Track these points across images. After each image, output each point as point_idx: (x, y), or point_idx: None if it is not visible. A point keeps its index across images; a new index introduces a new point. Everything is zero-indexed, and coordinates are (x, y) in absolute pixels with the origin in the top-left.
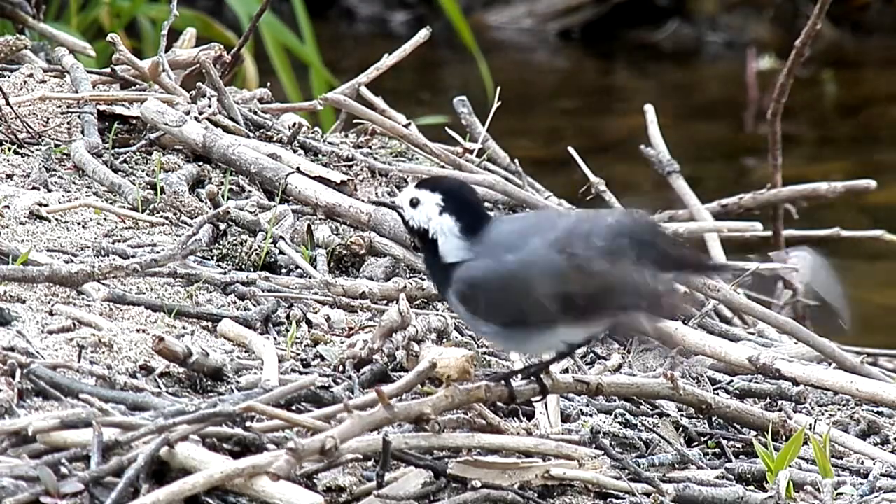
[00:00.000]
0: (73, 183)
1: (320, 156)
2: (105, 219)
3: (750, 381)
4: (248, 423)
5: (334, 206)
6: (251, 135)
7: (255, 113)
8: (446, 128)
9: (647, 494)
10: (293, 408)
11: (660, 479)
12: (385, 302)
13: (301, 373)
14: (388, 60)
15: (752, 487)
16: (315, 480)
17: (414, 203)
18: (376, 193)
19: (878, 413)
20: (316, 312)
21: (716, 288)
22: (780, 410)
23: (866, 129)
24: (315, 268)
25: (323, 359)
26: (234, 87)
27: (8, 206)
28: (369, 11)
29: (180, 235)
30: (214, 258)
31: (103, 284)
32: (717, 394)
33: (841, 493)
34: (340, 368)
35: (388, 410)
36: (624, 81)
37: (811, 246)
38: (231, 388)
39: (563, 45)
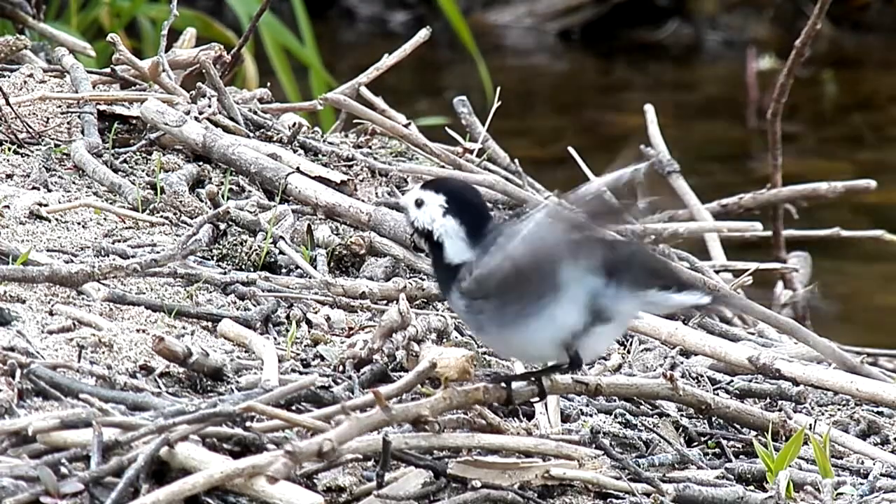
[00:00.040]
0: (73, 183)
1: (320, 156)
2: (105, 219)
3: (750, 381)
4: (248, 423)
5: (334, 206)
6: (251, 135)
7: (255, 113)
8: (446, 128)
9: (647, 494)
10: (293, 408)
11: (660, 479)
12: (385, 302)
13: (301, 373)
14: (388, 60)
15: (752, 487)
16: (315, 480)
17: (418, 204)
18: (376, 193)
19: (878, 413)
20: (316, 312)
21: (716, 288)
22: (780, 410)
23: (866, 129)
24: (315, 268)
25: (323, 359)
26: (234, 87)
27: (8, 206)
28: (369, 11)
29: (180, 235)
30: (214, 258)
31: (103, 284)
32: (717, 394)
33: (841, 493)
34: (340, 368)
35: (386, 412)
36: (624, 81)
37: (811, 246)
38: (231, 388)
39: (563, 45)
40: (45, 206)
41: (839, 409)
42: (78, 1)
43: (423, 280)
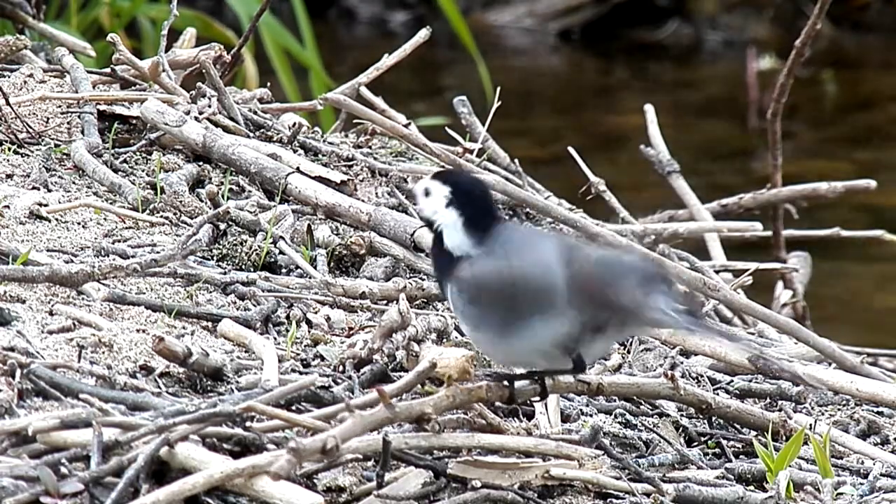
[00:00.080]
0: (73, 183)
1: (320, 156)
2: (105, 219)
3: (750, 381)
4: (248, 423)
5: (334, 206)
6: (251, 135)
7: (255, 113)
8: (446, 128)
9: (647, 494)
10: (293, 408)
11: (660, 479)
12: (385, 302)
13: (301, 373)
14: (388, 60)
15: (752, 487)
16: (315, 480)
17: (426, 193)
18: (376, 193)
19: (878, 413)
20: (316, 312)
21: (716, 288)
22: (780, 410)
23: (866, 129)
24: (315, 268)
25: (323, 359)
26: (234, 87)
27: (8, 206)
28: (369, 12)
29: (180, 235)
30: (214, 258)
31: (103, 284)
32: (717, 394)
33: (841, 493)
34: (340, 368)
35: (390, 410)
36: (624, 81)
37: (811, 246)
38: (231, 388)
39: (563, 45)
40: (45, 206)
41: (839, 409)
42: (78, 1)
43: (423, 280)
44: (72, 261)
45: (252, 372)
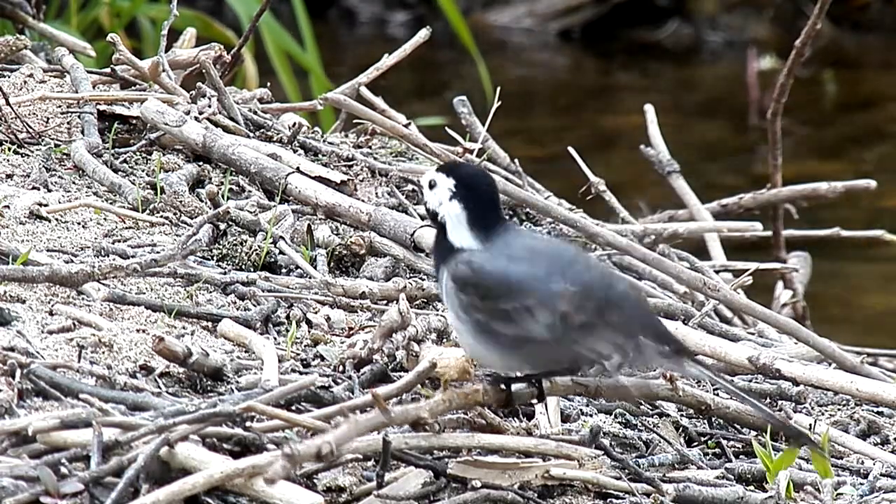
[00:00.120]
0: (73, 183)
1: (320, 156)
2: (105, 219)
3: (750, 381)
4: (248, 423)
5: (334, 206)
6: (251, 135)
7: (255, 113)
8: (446, 128)
9: (647, 494)
10: (293, 408)
11: (660, 479)
12: (385, 302)
13: (301, 373)
14: (388, 60)
15: (752, 487)
16: (315, 480)
17: (431, 185)
18: (376, 193)
19: (878, 413)
20: (316, 312)
21: (716, 288)
22: (780, 410)
23: (866, 129)
24: (315, 268)
25: (323, 359)
26: (234, 87)
27: (8, 206)
28: (369, 12)
29: (180, 235)
30: (214, 258)
31: (103, 284)
32: (717, 394)
33: (841, 493)
34: (340, 368)
35: (385, 415)
36: (624, 81)
37: (811, 246)
38: (231, 388)
39: (563, 45)
40: (45, 206)
41: (839, 409)
42: (78, 1)
43: (423, 280)
44: (72, 261)
45: (252, 372)
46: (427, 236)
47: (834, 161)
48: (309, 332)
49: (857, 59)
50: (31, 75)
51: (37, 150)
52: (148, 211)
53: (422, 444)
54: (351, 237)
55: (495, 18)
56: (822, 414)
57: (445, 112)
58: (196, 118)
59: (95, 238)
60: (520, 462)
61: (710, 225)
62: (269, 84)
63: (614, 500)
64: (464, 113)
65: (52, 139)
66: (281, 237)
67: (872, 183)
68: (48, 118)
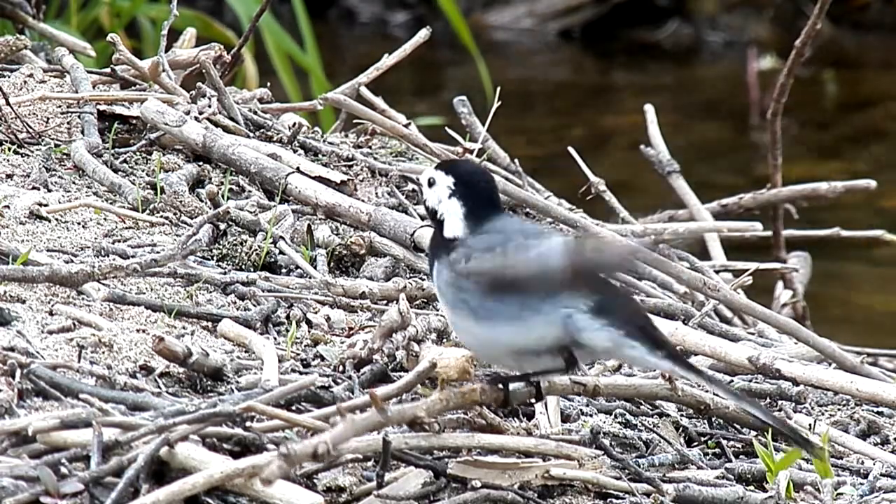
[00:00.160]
0: (73, 183)
1: (320, 156)
2: (105, 219)
3: (750, 381)
4: (248, 423)
5: (334, 206)
6: (251, 135)
7: (255, 113)
8: (446, 128)
9: (647, 494)
10: (293, 408)
11: (660, 479)
12: (385, 302)
13: (301, 373)
14: (388, 60)
15: (752, 487)
16: (315, 480)
17: (430, 183)
18: (376, 193)
19: (878, 413)
20: (316, 312)
21: (716, 288)
22: (780, 410)
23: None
24: (315, 268)
25: (323, 359)
26: (234, 87)
27: (8, 206)
28: (369, 12)
29: (180, 235)
30: (214, 258)
31: (103, 284)
32: (717, 394)
33: (841, 493)
34: (340, 368)
35: (382, 414)
36: (624, 81)
37: (811, 246)
38: (231, 388)
39: (563, 45)
40: (45, 206)
41: (839, 409)
42: (78, 1)
43: (423, 280)
44: (72, 261)
45: (252, 372)
46: (427, 236)
47: (834, 161)
48: (309, 332)
49: (857, 59)
50: (31, 75)
51: (37, 150)
52: (148, 211)
53: (422, 444)
54: (351, 237)
55: (495, 18)
56: (822, 414)
57: (445, 112)
58: (196, 118)
59: (95, 238)
60: (520, 462)
61: (710, 225)
62: (269, 84)
63: (614, 500)
64: (464, 113)
65: (52, 139)
66: (281, 237)
67: (872, 183)
68: (48, 118)
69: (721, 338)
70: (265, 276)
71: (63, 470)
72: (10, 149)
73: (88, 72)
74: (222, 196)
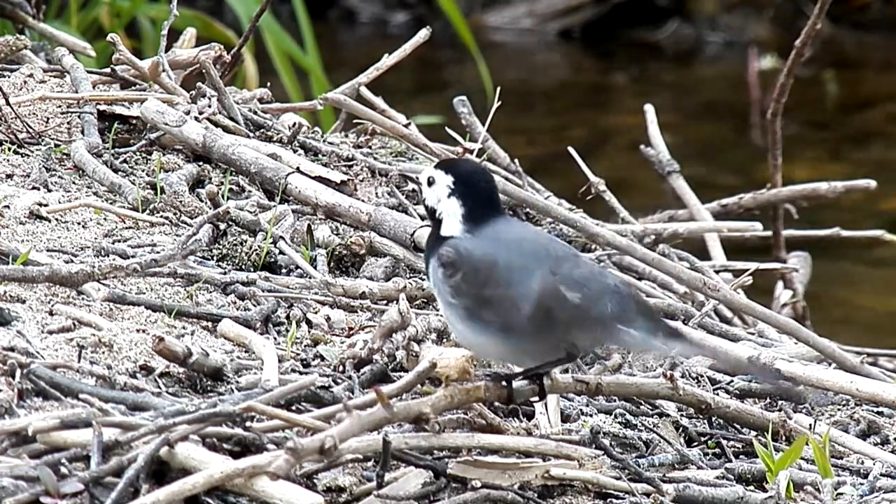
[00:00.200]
0: (73, 183)
1: (320, 156)
2: (105, 219)
3: (750, 381)
4: (248, 423)
5: (334, 206)
6: (251, 135)
7: (255, 113)
8: (446, 128)
9: (647, 494)
10: (293, 408)
11: (660, 479)
12: (385, 302)
13: (301, 373)
14: (388, 60)
15: (752, 487)
16: (315, 480)
17: (430, 182)
18: (376, 193)
19: (878, 413)
20: (316, 312)
21: (716, 288)
22: (780, 410)
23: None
24: (315, 268)
25: (323, 359)
26: (234, 87)
27: (8, 206)
28: (369, 12)
29: (180, 235)
30: (214, 258)
31: (103, 284)
32: (717, 394)
33: (841, 493)
34: (340, 368)
35: (387, 410)
36: (624, 81)
37: (811, 246)
38: (231, 388)
39: (563, 45)
40: (45, 206)
41: (839, 409)
42: (78, 1)
43: (423, 280)
44: (72, 261)
45: (252, 372)
46: (427, 236)
47: (834, 161)
48: (309, 332)
49: (857, 59)
50: (31, 75)
51: (37, 150)
52: (148, 211)
53: (422, 444)
54: (351, 237)
55: (495, 19)
56: (822, 414)
57: (445, 112)
58: (196, 118)
59: (95, 238)
60: (520, 462)
61: (710, 225)
62: (269, 84)
63: (614, 500)
64: (464, 113)
65: (52, 139)
66: (281, 237)
67: (872, 183)
68: (48, 118)
69: (721, 338)
70: (265, 276)
71: (63, 470)
72: (10, 149)
73: (88, 72)
74: (222, 196)
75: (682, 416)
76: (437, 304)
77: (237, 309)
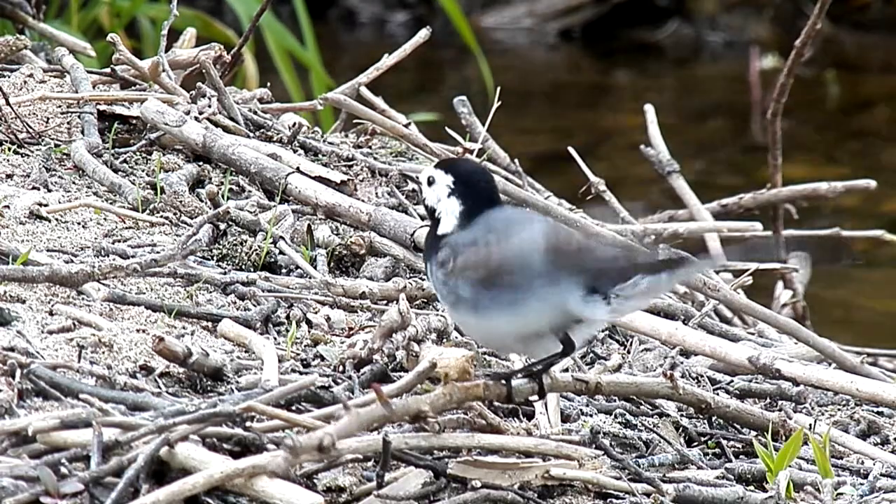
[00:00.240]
0: (73, 183)
1: (320, 156)
2: (105, 219)
3: (750, 381)
4: (248, 423)
5: (334, 206)
6: (251, 135)
7: (255, 113)
8: (446, 128)
9: (647, 494)
10: (293, 408)
11: (660, 479)
12: (385, 302)
13: (301, 373)
14: (388, 60)
15: (752, 487)
16: (315, 480)
17: (430, 182)
18: (376, 193)
19: (878, 413)
20: (316, 312)
21: (716, 288)
22: (780, 410)
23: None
24: (315, 268)
25: (323, 359)
26: (234, 87)
27: (8, 206)
28: (369, 12)
29: (180, 235)
30: (214, 258)
31: (103, 284)
32: (717, 394)
33: (841, 493)
34: (340, 368)
35: (386, 408)
36: (624, 81)
37: (811, 246)
38: (231, 388)
39: (563, 45)
40: (45, 206)
41: (839, 409)
42: (78, 1)
43: (423, 280)
44: (72, 261)
45: (252, 372)
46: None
47: (834, 161)
48: (309, 332)
49: (857, 59)
50: (31, 75)
51: (37, 150)
52: (148, 211)
53: (422, 444)
54: (351, 237)
55: (495, 19)
56: (822, 414)
57: (445, 112)
58: (196, 118)
59: (95, 238)
60: (520, 462)
61: (710, 225)
62: (269, 84)
63: (614, 500)
64: (464, 113)
65: (52, 139)
66: (281, 237)
67: (872, 183)
68: (48, 118)
69: (721, 338)
70: (265, 276)
71: (63, 470)
72: (10, 149)
73: (88, 72)
74: (222, 196)
75: (682, 416)
76: (437, 304)
77: (237, 309)
